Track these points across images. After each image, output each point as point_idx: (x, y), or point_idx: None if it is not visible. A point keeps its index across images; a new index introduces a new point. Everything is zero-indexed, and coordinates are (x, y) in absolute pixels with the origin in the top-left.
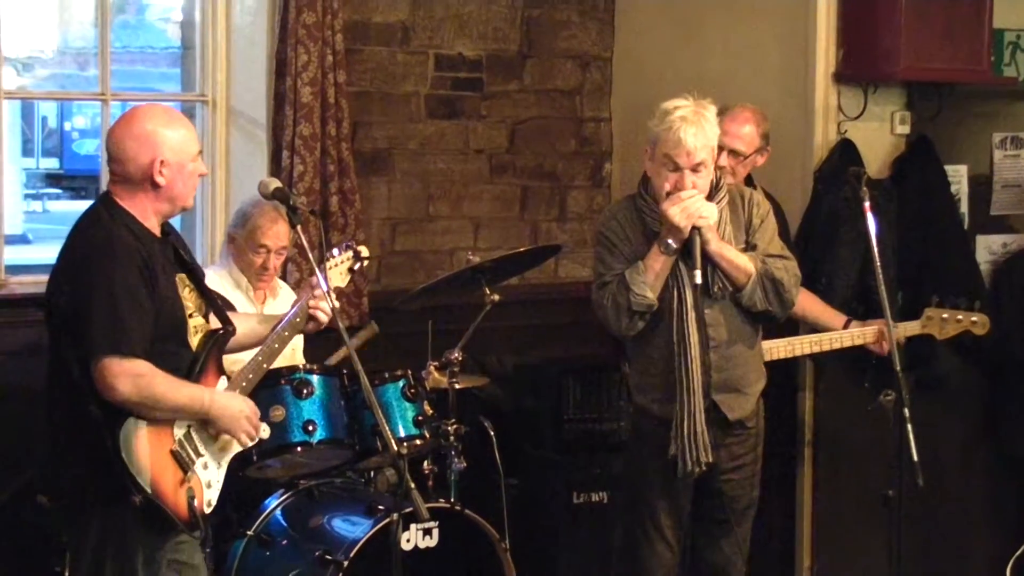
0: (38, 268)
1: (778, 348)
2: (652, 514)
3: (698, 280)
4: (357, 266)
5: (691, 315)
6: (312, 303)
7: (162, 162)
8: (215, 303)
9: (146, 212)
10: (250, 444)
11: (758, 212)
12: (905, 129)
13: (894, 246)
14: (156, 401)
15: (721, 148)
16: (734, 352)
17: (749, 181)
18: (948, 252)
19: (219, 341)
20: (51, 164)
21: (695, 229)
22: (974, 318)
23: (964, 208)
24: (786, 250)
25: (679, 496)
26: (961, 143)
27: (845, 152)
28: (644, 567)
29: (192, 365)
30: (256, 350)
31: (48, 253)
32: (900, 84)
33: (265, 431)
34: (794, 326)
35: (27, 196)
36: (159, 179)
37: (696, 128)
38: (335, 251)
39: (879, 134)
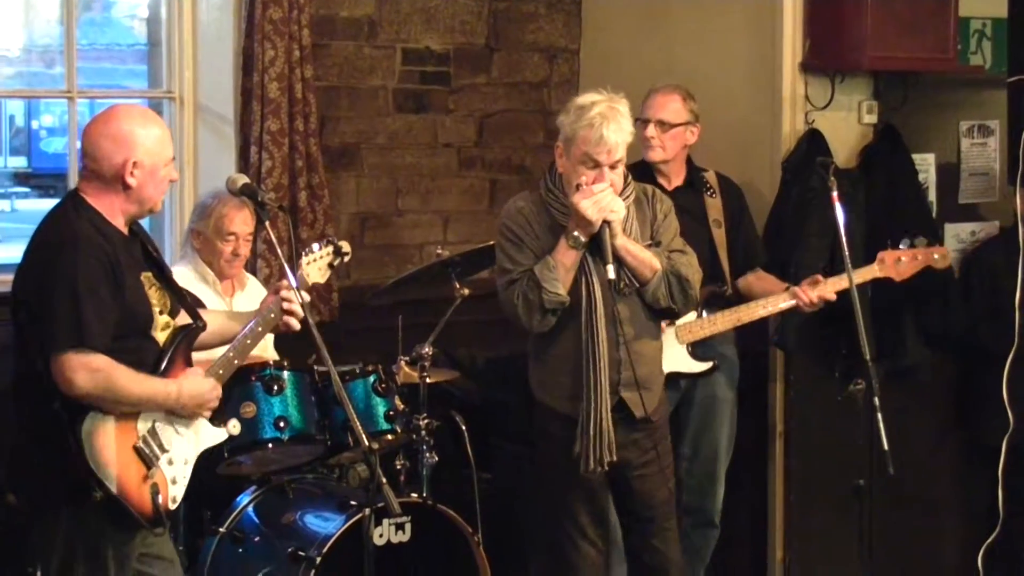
0: (6, 267)
1: (700, 327)
2: (571, 515)
3: (611, 275)
4: (337, 262)
5: (600, 311)
6: (285, 303)
7: (135, 163)
8: (185, 300)
9: (114, 211)
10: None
11: (661, 208)
12: (872, 118)
13: (863, 235)
14: (116, 395)
15: (647, 121)
16: (642, 349)
17: (692, 167)
18: None
19: (188, 336)
20: (19, 163)
21: (604, 223)
22: (935, 254)
23: (932, 197)
24: (687, 246)
25: (596, 493)
26: (928, 132)
27: (813, 142)
28: (571, 568)
29: (159, 359)
30: (227, 346)
31: (17, 252)
32: (867, 74)
33: (235, 427)
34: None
35: None
36: (130, 180)
37: (615, 124)
38: (315, 246)
39: (846, 124)
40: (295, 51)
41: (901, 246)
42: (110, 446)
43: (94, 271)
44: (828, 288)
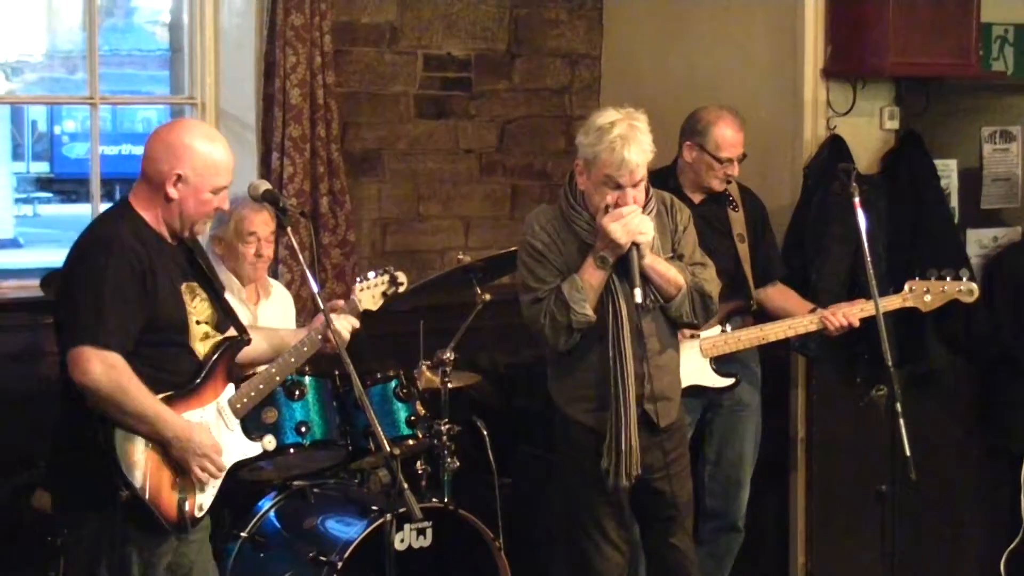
0: (29, 272)
1: (724, 342)
2: (595, 519)
3: (638, 299)
4: (391, 291)
5: (627, 328)
6: (334, 324)
7: (179, 176)
8: (234, 316)
9: (158, 219)
10: (206, 482)
11: (681, 219)
12: (894, 124)
13: (884, 241)
14: (123, 397)
15: (731, 159)
16: (664, 361)
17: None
18: (939, 247)
19: (231, 348)
20: (41, 168)
21: (633, 244)
22: (960, 287)
23: (954, 202)
24: (705, 256)
25: (619, 497)
26: (950, 137)
27: (834, 148)
28: (594, 572)
29: (199, 369)
30: (270, 363)
31: (39, 257)
32: (889, 79)
33: (270, 443)
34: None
35: (17, 200)
36: (171, 191)
37: (636, 144)
38: (371, 274)
39: (868, 129)
40: (317, 57)
41: (929, 277)
42: (141, 447)
43: (123, 273)
44: (854, 314)
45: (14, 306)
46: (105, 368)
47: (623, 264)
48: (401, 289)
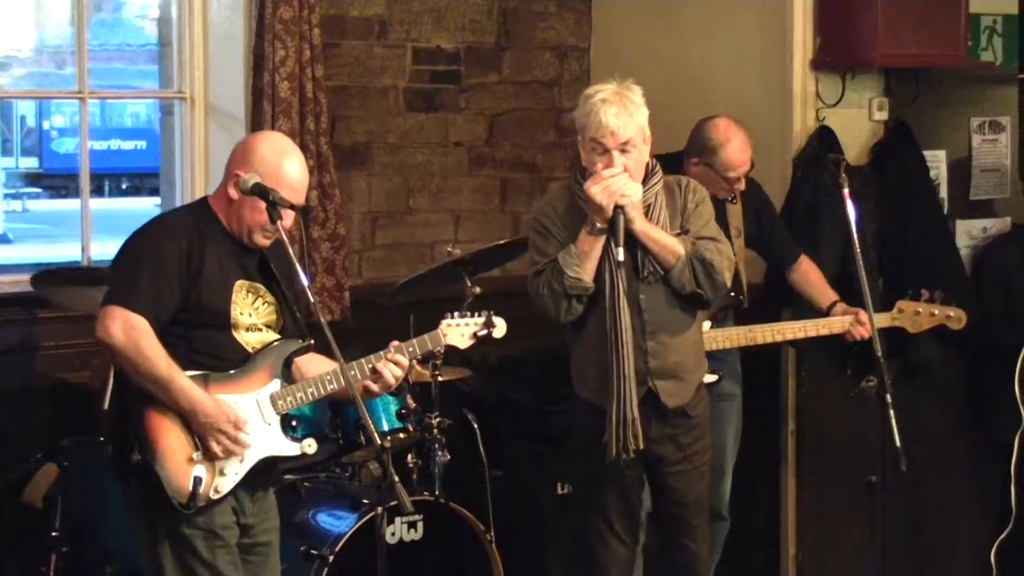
0: (19, 267)
1: (712, 339)
2: (601, 510)
3: (620, 257)
4: (483, 333)
5: (623, 299)
6: (381, 364)
7: (238, 176)
8: (299, 325)
9: (226, 219)
10: (224, 456)
11: (694, 197)
12: (883, 115)
13: (874, 232)
14: (138, 356)
15: (735, 179)
16: (671, 339)
17: None
18: (928, 238)
19: (285, 346)
20: (30, 163)
21: (619, 208)
22: (950, 312)
23: (943, 193)
24: (721, 234)
25: (628, 489)
26: (939, 128)
27: (824, 139)
28: (599, 564)
29: (244, 359)
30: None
31: (28, 253)
32: (878, 70)
33: (310, 447)
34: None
35: (7, 196)
36: (230, 191)
37: (617, 108)
38: (467, 312)
39: (857, 120)
40: (306, 51)
41: (919, 298)
42: (163, 416)
43: (167, 249)
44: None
45: (5, 301)
46: (125, 327)
47: (614, 229)
48: (496, 334)
